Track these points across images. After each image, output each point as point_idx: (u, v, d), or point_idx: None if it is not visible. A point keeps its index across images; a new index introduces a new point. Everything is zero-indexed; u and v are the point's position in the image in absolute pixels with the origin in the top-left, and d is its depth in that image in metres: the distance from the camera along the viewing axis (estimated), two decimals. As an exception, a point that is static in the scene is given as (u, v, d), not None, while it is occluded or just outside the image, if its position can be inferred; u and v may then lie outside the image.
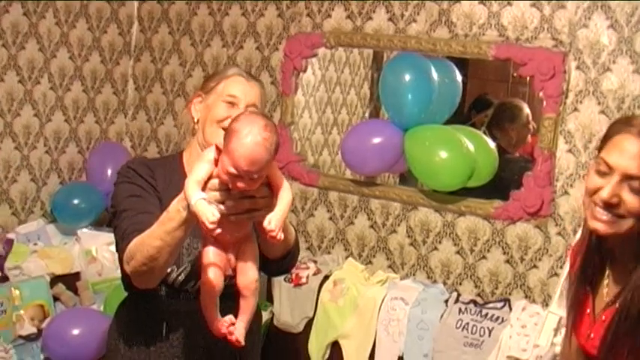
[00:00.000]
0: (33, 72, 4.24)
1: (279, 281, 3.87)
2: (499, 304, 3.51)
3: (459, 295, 3.62)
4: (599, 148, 1.86)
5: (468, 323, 3.43)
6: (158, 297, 2.24)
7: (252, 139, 1.78)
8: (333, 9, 3.98)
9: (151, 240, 1.95)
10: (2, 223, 4.22)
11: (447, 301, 3.59)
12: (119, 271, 2.25)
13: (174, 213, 1.89)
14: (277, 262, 2.22)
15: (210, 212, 1.75)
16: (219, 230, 1.77)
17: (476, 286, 3.67)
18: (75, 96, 4.49)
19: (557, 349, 2.90)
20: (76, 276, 4.13)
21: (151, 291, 2.19)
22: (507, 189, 3.60)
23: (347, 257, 4.00)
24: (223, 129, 2.20)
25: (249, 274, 1.96)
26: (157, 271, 2.03)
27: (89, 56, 4.52)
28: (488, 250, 3.62)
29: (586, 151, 3.35)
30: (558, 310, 2.96)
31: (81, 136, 4.56)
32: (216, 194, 1.82)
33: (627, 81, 3.27)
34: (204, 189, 1.82)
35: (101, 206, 4.32)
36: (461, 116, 4.23)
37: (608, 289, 1.88)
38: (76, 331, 3.70)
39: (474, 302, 3.55)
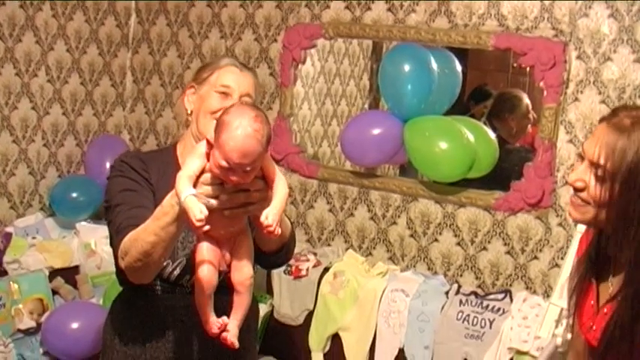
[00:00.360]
0: (30, 65, 4.21)
1: (278, 274, 3.85)
2: (500, 296, 3.50)
3: (459, 286, 3.61)
4: None
5: (468, 315, 3.42)
6: (153, 292, 2.22)
7: (242, 131, 1.75)
8: (331, 0, 3.96)
9: (145, 235, 1.92)
10: (0, 217, 4.20)
11: (447, 293, 3.57)
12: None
13: (168, 208, 1.87)
14: (272, 255, 2.19)
15: (197, 209, 1.72)
16: (207, 227, 1.73)
17: (477, 278, 3.65)
18: (73, 89, 4.46)
19: (559, 340, 2.89)
20: (75, 269, 4.12)
21: (147, 286, 2.17)
22: (508, 180, 3.58)
23: (347, 249, 3.98)
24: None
25: (244, 271, 1.93)
26: (152, 267, 2.01)
27: (87, 48, 4.49)
28: (489, 242, 3.61)
29: (587, 141, 3.33)
30: (559, 301, 2.95)
31: (79, 129, 4.53)
32: (209, 189, 1.80)
33: (628, 70, 3.25)
34: (196, 184, 1.80)
35: (100, 199, 4.22)
36: (461, 107, 4.21)
37: (613, 281, 1.86)
38: (75, 325, 3.68)
39: (475, 294, 3.54)
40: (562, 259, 3.36)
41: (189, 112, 2.30)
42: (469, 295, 3.53)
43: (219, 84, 2.24)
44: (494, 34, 3.51)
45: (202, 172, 1.80)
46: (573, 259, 2.79)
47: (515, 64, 4.15)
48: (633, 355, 1.80)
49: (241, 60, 4.13)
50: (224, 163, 1.75)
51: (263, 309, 3.87)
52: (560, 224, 3.41)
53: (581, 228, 2.81)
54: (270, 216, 1.80)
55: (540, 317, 3.20)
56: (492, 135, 3.76)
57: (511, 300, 3.45)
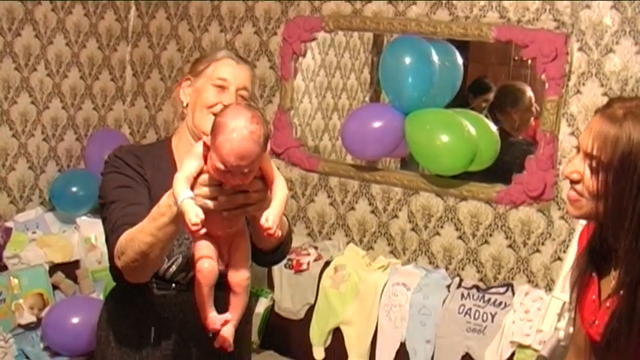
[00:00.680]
0: (29, 59, 4.19)
1: (279, 268, 3.84)
2: (502, 289, 3.49)
3: (461, 280, 3.60)
4: None
5: (470, 309, 3.41)
6: (149, 289, 2.18)
7: (239, 133, 1.71)
8: (331, -8, 3.94)
9: (142, 235, 1.88)
10: (0, 212, 4.18)
11: (449, 287, 3.56)
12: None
13: (165, 208, 1.83)
14: (269, 254, 2.15)
15: (194, 213, 1.68)
16: (203, 231, 1.70)
17: (478, 271, 3.64)
18: (72, 83, 4.44)
19: (561, 334, 2.88)
20: (76, 264, 4.11)
21: (142, 283, 2.14)
22: (510, 173, 3.57)
23: (348, 243, 3.98)
24: (214, 114, 2.16)
25: (241, 271, 1.89)
26: (149, 266, 1.98)
27: (86, 42, 4.47)
28: (491, 235, 3.59)
29: (589, 134, 3.31)
30: (562, 294, 2.93)
31: (79, 124, 4.52)
32: (207, 190, 1.76)
33: (630, 62, 3.23)
34: (194, 185, 1.76)
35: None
36: (462, 100, 4.19)
37: (615, 275, 1.84)
38: (75, 320, 3.67)
39: (477, 287, 3.53)
40: (564, 252, 3.35)
41: (184, 104, 2.26)
42: (471, 288, 3.52)
43: (216, 77, 2.20)
44: (496, 26, 3.49)
45: (200, 172, 1.77)
46: (575, 253, 2.84)
47: (516, 57, 4.14)
48: (637, 350, 1.78)
49: (241, 53, 4.13)
50: (221, 166, 1.71)
51: (264, 303, 3.87)
52: (562, 217, 3.40)
53: (584, 221, 2.89)
54: (270, 218, 1.77)
55: (542, 311, 3.18)
56: (494, 128, 3.75)
57: (513, 293, 3.43)
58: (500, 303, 3.40)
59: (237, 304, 1.91)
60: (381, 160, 4.26)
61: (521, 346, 3.24)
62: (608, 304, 1.83)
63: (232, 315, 1.91)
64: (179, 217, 1.77)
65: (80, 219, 4.21)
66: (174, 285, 2.18)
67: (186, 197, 1.71)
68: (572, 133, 3.36)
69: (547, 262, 3.45)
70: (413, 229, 3.81)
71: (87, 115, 4.55)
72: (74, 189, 4.18)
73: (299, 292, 3.83)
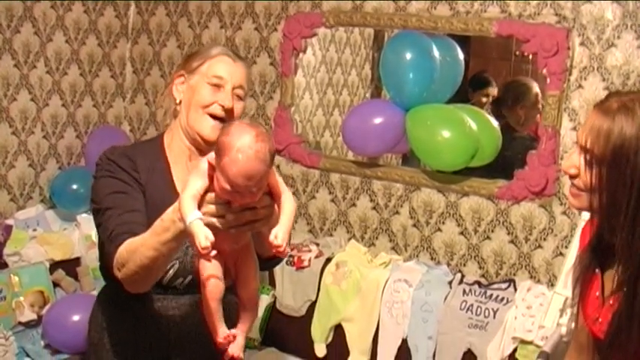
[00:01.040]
0: (29, 56, 4.18)
1: (280, 265, 3.80)
2: (504, 285, 3.47)
3: (463, 276, 3.58)
4: None
5: (472, 305, 3.39)
6: (146, 293, 2.12)
7: (244, 153, 1.65)
8: (332, -12, 3.92)
9: (144, 249, 1.84)
10: (1, 210, 4.17)
11: (450, 283, 3.55)
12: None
13: (169, 223, 1.79)
14: (269, 260, 2.10)
15: (203, 236, 1.64)
16: (213, 253, 1.67)
17: (480, 267, 3.63)
18: (72, 80, 4.43)
19: (563, 329, 2.86)
20: (76, 261, 4.10)
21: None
22: (511, 168, 3.55)
23: (349, 239, 3.96)
24: (210, 115, 2.12)
25: (250, 285, 1.87)
26: (151, 278, 1.95)
27: (86, 39, 4.46)
28: (493, 231, 3.58)
29: (591, 129, 3.29)
30: (564, 290, 2.92)
31: (79, 121, 4.50)
32: (215, 208, 1.72)
33: (632, 56, 3.21)
34: (201, 202, 1.72)
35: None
36: (463, 95, 4.18)
37: (618, 271, 1.82)
38: (76, 317, 3.66)
39: (479, 283, 3.51)
40: (566, 247, 3.33)
41: (177, 101, 2.21)
42: (472, 284, 3.51)
43: (211, 74, 2.15)
44: (497, 20, 3.47)
45: (206, 190, 1.73)
46: (577, 248, 2.83)
47: (517, 52, 4.12)
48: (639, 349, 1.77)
49: (241, 50, 4.12)
50: (228, 187, 1.67)
51: (265, 300, 3.85)
52: (564, 212, 3.38)
53: (586, 216, 2.82)
54: (280, 236, 1.72)
55: (544, 306, 3.17)
56: (495, 123, 3.73)
57: (515, 289, 3.41)
58: (502, 299, 3.38)
59: (247, 317, 1.89)
60: (383, 156, 4.24)
61: (523, 341, 3.23)
62: (611, 302, 1.82)
63: (242, 328, 1.88)
64: (184, 233, 1.74)
65: (81, 216, 4.20)
66: (170, 289, 2.15)
67: (195, 218, 1.67)
68: (574, 128, 3.34)
69: (549, 257, 3.44)
70: (414, 225, 3.80)
71: (87, 113, 4.54)
72: (74, 186, 4.17)
73: (300, 289, 3.82)
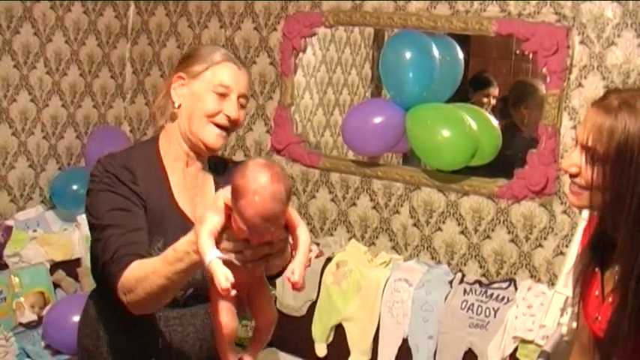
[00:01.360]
0: (28, 57, 4.18)
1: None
2: (504, 284, 3.46)
3: (463, 275, 3.57)
4: None
5: (473, 304, 3.38)
6: None
7: (261, 196, 1.62)
8: (331, -13, 3.92)
9: (155, 277, 1.80)
10: (1, 210, 4.17)
11: (451, 282, 3.54)
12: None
13: (182, 254, 1.74)
14: (273, 277, 2.06)
15: (223, 276, 1.61)
16: (233, 292, 1.63)
17: (480, 267, 3.62)
18: (72, 80, 4.43)
19: (564, 329, 2.85)
20: (77, 262, 4.11)
21: None
22: (511, 167, 3.55)
23: (349, 239, 3.95)
24: (216, 124, 2.07)
25: (265, 313, 1.86)
26: (160, 304, 1.92)
27: (85, 40, 4.46)
28: (493, 230, 3.57)
29: (591, 128, 3.28)
30: (564, 289, 2.91)
31: (79, 121, 4.50)
32: (233, 245, 1.69)
33: (632, 55, 3.21)
34: (218, 238, 1.69)
35: None
36: (463, 94, 4.17)
37: (617, 269, 1.82)
38: (76, 318, 3.59)
39: (479, 283, 3.51)
40: (567, 246, 3.32)
41: (177, 105, 2.13)
42: (473, 284, 3.50)
43: (217, 83, 2.08)
44: (496, 20, 3.47)
45: (224, 227, 1.69)
46: (578, 247, 2.81)
47: (517, 51, 4.11)
48: (637, 347, 1.76)
49: (241, 49, 4.12)
50: (246, 228, 1.65)
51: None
52: (564, 212, 3.38)
53: (586, 215, 2.80)
54: (296, 272, 1.70)
55: (545, 306, 3.16)
56: (495, 122, 3.73)
57: (515, 289, 3.40)
58: (503, 298, 3.38)
59: (259, 341, 1.88)
60: (383, 155, 4.23)
61: (524, 341, 3.22)
62: (610, 299, 1.81)
63: (252, 352, 1.86)
64: (197, 265, 1.73)
65: (81, 217, 4.19)
66: (172, 302, 2.05)
67: (214, 257, 1.64)
68: (574, 127, 3.33)
69: (549, 256, 3.43)
70: (415, 225, 3.79)
71: (87, 113, 4.54)
72: (75, 187, 4.16)
73: (301, 289, 3.81)
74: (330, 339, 3.74)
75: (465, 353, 3.38)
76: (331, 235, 4.04)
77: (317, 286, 3.75)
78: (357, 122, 3.78)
